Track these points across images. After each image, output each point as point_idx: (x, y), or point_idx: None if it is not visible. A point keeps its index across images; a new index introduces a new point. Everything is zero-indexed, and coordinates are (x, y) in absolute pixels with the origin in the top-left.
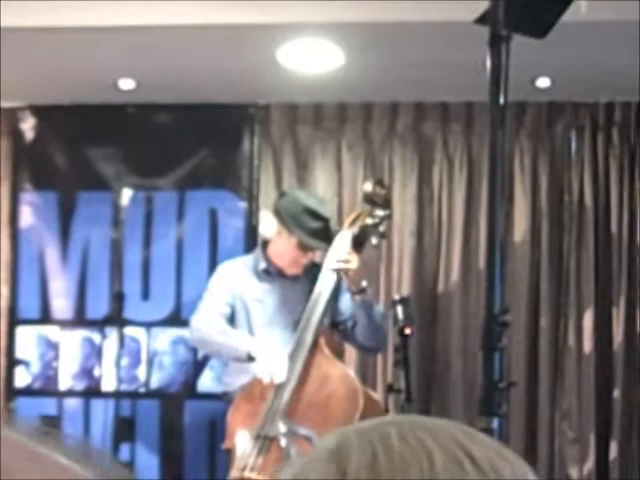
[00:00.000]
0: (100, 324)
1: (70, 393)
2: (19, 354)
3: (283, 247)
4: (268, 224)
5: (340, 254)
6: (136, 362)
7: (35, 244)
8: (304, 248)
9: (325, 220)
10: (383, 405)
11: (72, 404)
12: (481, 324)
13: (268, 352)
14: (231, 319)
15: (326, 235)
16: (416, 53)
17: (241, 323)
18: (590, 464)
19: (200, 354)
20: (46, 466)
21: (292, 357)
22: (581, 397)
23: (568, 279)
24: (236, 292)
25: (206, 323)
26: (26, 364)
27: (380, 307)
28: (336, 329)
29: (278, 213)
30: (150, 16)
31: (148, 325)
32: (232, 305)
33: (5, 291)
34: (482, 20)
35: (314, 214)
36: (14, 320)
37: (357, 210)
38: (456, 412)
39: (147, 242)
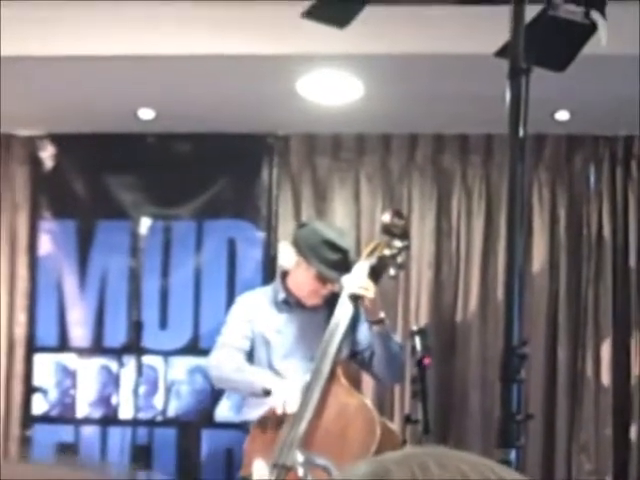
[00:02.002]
0: (118, 352)
1: (87, 421)
2: (37, 381)
3: (302, 278)
4: (287, 255)
5: (357, 283)
6: (153, 390)
7: (53, 272)
8: (323, 280)
9: (344, 252)
10: (400, 436)
11: (89, 432)
12: (499, 356)
13: (283, 385)
14: (250, 352)
15: (345, 267)
16: (435, 85)
17: (260, 354)
18: None
19: (216, 386)
20: None
21: (309, 387)
22: (599, 429)
23: (586, 311)
24: (255, 324)
25: (223, 360)
26: (44, 392)
27: (398, 338)
28: (354, 359)
29: (297, 244)
30: (170, 46)
31: (166, 354)
32: (251, 338)
33: (23, 319)
34: (502, 53)
35: (333, 246)
36: (32, 348)
37: (375, 241)
38: (473, 443)
39: (165, 271)
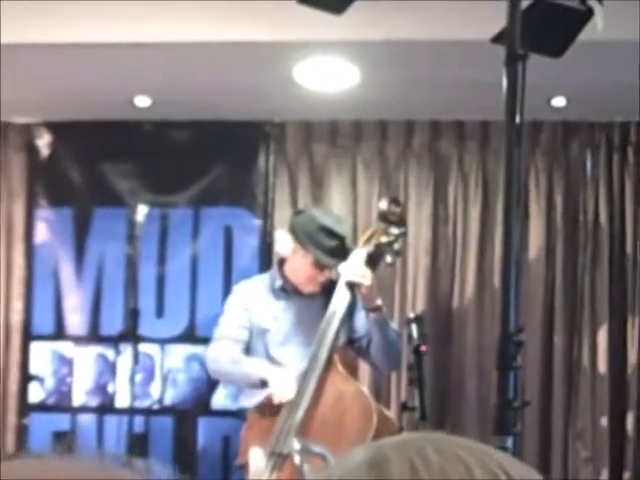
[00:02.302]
0: (114, 340)
1: (84, 409)
2: (33, 370)
3: (299, 265)
4: (284, 242)
5: (354, 270)
6: (150, 378)
7: (50, 260)
8: (320, 266)
9: (341, 238)
10: (397, 423)
11: (86, 420)
12: (496, 342)
13: (279, 374)
14: (248, 341)
15: (342, 253)
16: (432, 71)
17: (257, 342)
18: None
19: (214, 378)
20: None
21: (306, 374)
22: (595, 417)
23: (582, 298)
24: (252, 312)
25: (219, 353)
26: (40, 380)
27: (394, 325)
28: (351, 347)
29: (294, 231)
30: (166, 33)
31: (162, 342)
32: (248, 327)
33: (19, 306)
34: (499, 39)
35: (330, 232)
36: (28, 336)
37: (372, 228)
38: (470, 430)
39: (162, 259)
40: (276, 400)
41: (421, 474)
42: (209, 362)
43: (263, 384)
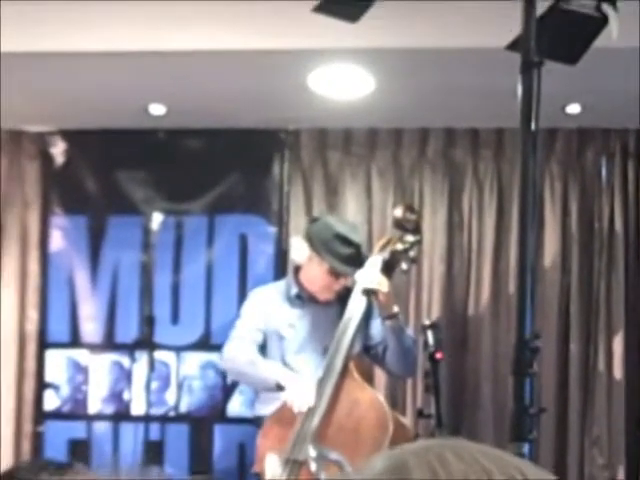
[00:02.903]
0: (130, 348)
1: (99, 417)
2: (48, 377)
3: (315, 273)
4: (299, 250)
5: (370, 278)
6: (165, 386)
7: (65, 268)
8: (335, 274)
9: (356, 246)
10: (413, 430)
11: (101, 428)
12: (511, 349)
13: (296, 381)
14: (263, 345)
15: (357, 261)
16: (446, 79)
17: (273, 349)
18: None
19: (229, 379)
20: None
21: (322, 382)
22: (611, 423)
23: (598, 304)
24: (268, 318)
25: (236, 353)
26: (55, 387)
27: (410, 332)
28: (367, 354)
29: (309, 239)
30: (181, 41)
31: (178, 349)
32: (264, 331)
33: (35, 315)
34: (514, 46)
35: (345, 240)
36: (44, 343)
37: (387, 236)
38: (486, 437)
39: (177, 266)
40: (296, 409)
41: (440, 476)
42: (225, 362)
43: (279, 388)
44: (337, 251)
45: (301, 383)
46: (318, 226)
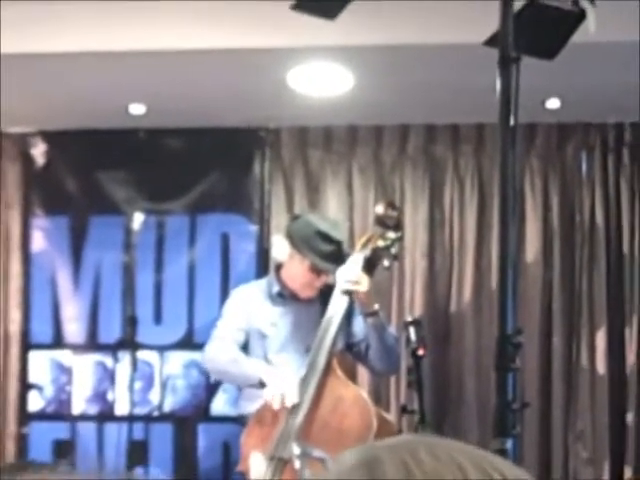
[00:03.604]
0: (113, 348)
1: (83, 417)
2: (32, 378)
3: (296, 270)
4: (280, 248)
5: (350, 276)
6: (149, 386)
7: (47, 269)
8: (317, 271)
9: (337, 243)
10: (397, 426)
11: (85, 428)
12: (494, 344)
13: (279, 377)
14: (245, 344)
15: (339, 258)
16: (426, 75)
17: (255, 348)
18: None
19: (212, 379)
20: None
21: (305, 380)
22: (595, 418)
23: (580, 299)
24: (250, 317)
25: (218, 353)
26: (39, 388)
27: (392, 329)
28: (350, 351)
29: (290, 236)
30: (160, 41)
31: (161, 349)
32: (246, 330)
33: (17, 316)
34: (492, 42)
35: (326, 237)
36: (27, 345)
37: (369, 233)
38: (470, 433)
39: (159, 266)
40: (277, 406)
41: (415, 475)
42: (207, 361)
43: (262, 385)
44: (318, 248)
45: (283, 379)
46: (299, 224)
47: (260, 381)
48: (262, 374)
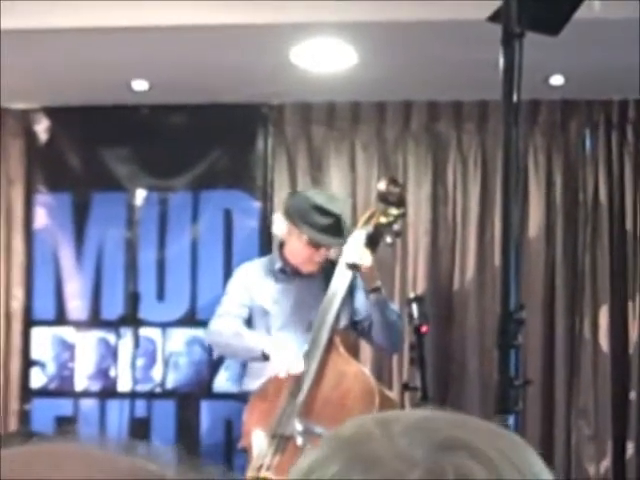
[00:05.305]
0: (115, 325)
1: (86, 394)
2: (34, 355)
3: (295, 246)
4: (279, 224)
5: (353, 252)
6: (151, 362)
7: (49, 245)
8: (315, 245)
9: (335, 216)
10: (399, 403)
11: (88, 405)
12: (496, 321)
13: (282, 348)
14: (249, 321)
15: (337, 231)
16: (429, 52)
17: (258, 324)
18: (607, 462)
19: (215, 354)
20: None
21: (308, 356)
22: (597, 394)
23: (583, 276)
24: (253, 293)
25: (221, 328)
26: (42, 365)
27: (395, 306)
28: (354, 328)
29: (287, 212)
30: (163, 17)
31: (163, 325)
32: (249, 307)
33: (20, 293)
34: (495, 18)
35: (322, 210)
36: (29, 321)
37: (371, 209)
38: (472, 410)
39: (162, 243)
40: (283, 374)
41: None
42: (211, 335)
43: (265, 357)
44: (315, 221)
45: (286, 350)
46: (295, 199)
47: (263, 353)
48: (265, 346)
